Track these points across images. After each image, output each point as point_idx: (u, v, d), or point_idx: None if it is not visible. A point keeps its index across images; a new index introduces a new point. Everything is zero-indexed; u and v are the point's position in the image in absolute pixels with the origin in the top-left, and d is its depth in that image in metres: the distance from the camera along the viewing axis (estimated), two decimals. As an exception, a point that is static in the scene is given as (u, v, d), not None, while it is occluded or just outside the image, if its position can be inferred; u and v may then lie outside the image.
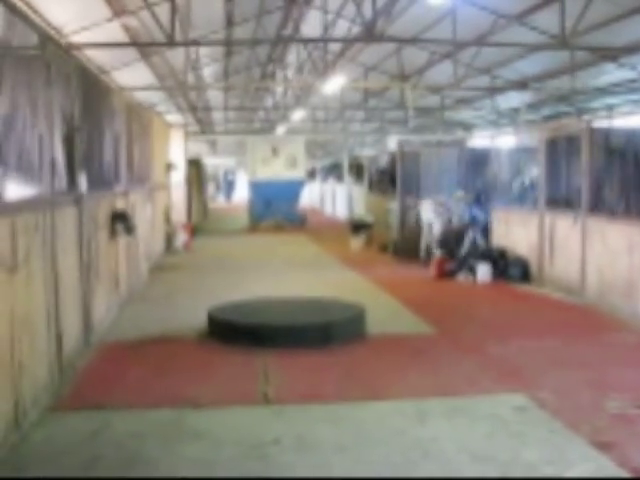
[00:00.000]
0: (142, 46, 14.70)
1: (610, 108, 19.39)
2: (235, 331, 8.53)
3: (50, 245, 6.66)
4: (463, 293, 12.62)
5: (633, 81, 16.98)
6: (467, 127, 28.17)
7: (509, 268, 13.57)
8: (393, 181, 21.49)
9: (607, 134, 11.88)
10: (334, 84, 15.03)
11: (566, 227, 12.13)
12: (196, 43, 14.22)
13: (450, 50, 17.25)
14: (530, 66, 18.43)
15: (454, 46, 15.55)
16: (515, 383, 7.05)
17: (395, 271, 15.17)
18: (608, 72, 16.92)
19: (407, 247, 16.53)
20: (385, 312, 10.54)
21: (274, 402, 6.51)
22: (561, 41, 11.86)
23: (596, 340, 8.91)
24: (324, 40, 14.64)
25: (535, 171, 13.87)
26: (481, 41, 14.56)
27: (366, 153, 35.28)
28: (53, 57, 7.05)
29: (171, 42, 10.22)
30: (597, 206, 11.42)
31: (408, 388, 6.90)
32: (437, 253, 14.30)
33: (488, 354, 8.22)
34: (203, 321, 9.26)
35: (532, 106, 21.83)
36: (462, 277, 13.67)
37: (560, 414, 6.11)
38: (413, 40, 15.02)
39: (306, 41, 15.83)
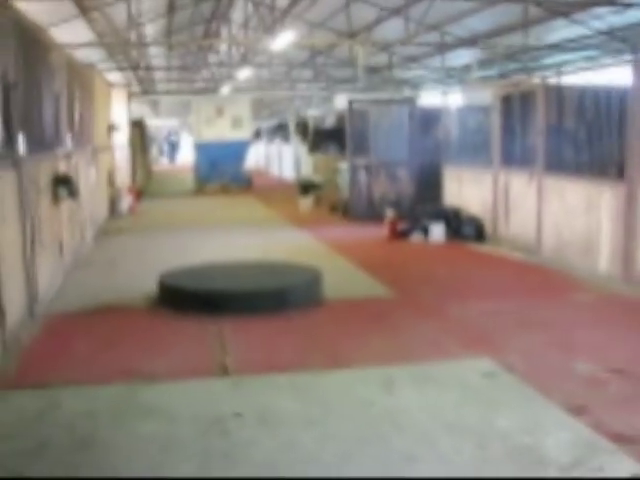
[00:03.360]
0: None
1: (560, 65, 19.24)
2: (187, 298, 8.17)
3: (-12, 211, 6.21)
4: (418, 254, 12.41)
5: (585, 37, 16.79)
6: (415, 86, 27.83)
7: (463, 227, 13.40)
8: (339, 141, 21.23)
9: (561, 90, 11.69)
10: (283, 40, 14.56)
11: (521, 185, 11.97)
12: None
13: (401, 5, 16.85)
14: (480, 23, 18.10)
15: (407, 1, 15.15)
16: (481, 347, 6.83)
17: (347, 232, 14.91)
18: (559, 28, 16.70)
19: (358, 207, 16.27)
20: (340, 275, 10.26)
21: (232, 373, 6.18)
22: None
23: (557, 301, 8.75)
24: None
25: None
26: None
27: (312, 113, 34.82)
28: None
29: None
30: (553, 164, 11.24)
31: (372, 355, 6.63)
32: (389, 213, 14.01)
33: (450, 317, 8.00)
34: (152, 287, 8.88)
35: (481, 64, 21.57)
36: (415, 237, 13.45)
37: (530, 379, 5.90)
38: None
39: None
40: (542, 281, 10.00)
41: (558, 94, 11.59)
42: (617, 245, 9.56)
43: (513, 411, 5.30)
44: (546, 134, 11.31)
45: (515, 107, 12.54)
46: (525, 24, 15.50)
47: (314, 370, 6.19)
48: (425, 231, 13.44)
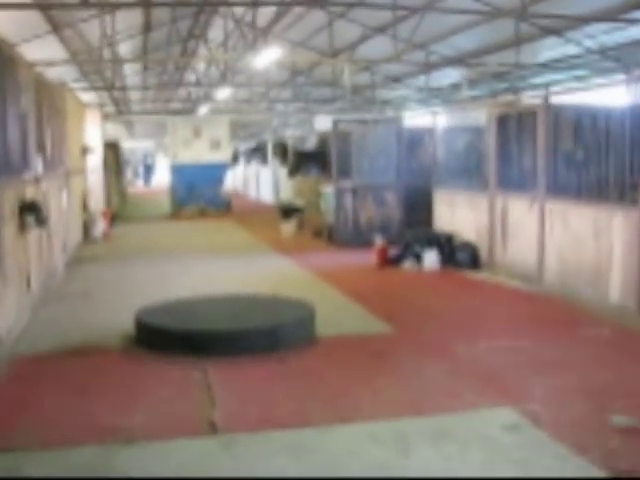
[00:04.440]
0: (51, 8, 13.21)
1: (549, 85, 18.70)
2: (167, 338, 7.37)
3: (-59, 246, 5.42)
4: (412, 283, 11.69)
5: (576, 57, 16.25)
6: (398, 106, 27.25)
7: (457, 254, 12.72)
8: (321, 163, 20.57)
9: (563, 110, 11.09)
10: (267, 58, 13.86)
11: (521, 210, 11.32)
12: (111, 4, 12.83)
13: (388, 22, 16.24)
14: (467, 41, 17.56)
15: (395, 18, 14.52)
16: (497, 393, 6.11)
17: (333, 259, 14.18)
18: (548, 47, 16.15)
19: (344, 232, 15.56)
20: (332, 308, 9.51)
21: (222, 430, 5.40)
22: (521, 11, 10.96)
23: (570, 336, 8.07)
24: (259, 4, 13.42)
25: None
26: (433, 7, 13.54)
27: (290, 134, 34.16)
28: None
29: (85, 2, 8.92)
30: (556, 187, 10.61)
31: (379, 405, 5.88)
32: (379, 240, 13.30)
33: (457, 357, 7.28)
34: (129, 324, 8.08)
35: (467, 83, 21.03)
36: (408, 265, 12.74)
37: (560, 433, 5.19)
38: (362, 4, 13.87)
39: (237, 4, 14.51)
40: (550, 313, 9.31)
41: (560, 114, 10.99)
42: (630, 274, 8.90)
43: (549, 474, 4.58)
44: (548, 156, 10.67)
45: (512, 127, 11.92)
46: (517, 42, 14.91)
47: (316, 426, 5.42)
48: (417, 258, 12.74)
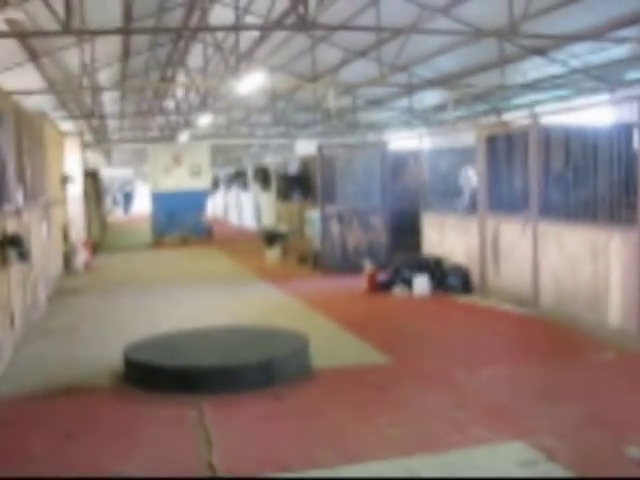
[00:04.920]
0: (31, 36, 12.95)
1: (532, 105, 18.63)
2: (159, 376, 7.06)
3: None
4: (404, 309, 11.44)
5: (559, 77, 16.19)
6: (380, 129, 27.16)
7: (448, 278, 12.49)
8: (304, 188, 20.36)
9: (554, 130, 10.92)
10: (250, 83, 13.65)
11: (513, 232, 11.13)
12: (93, 32, 12.61)
13: (369, 45, 16.14)
14: (448, 63, 17.51)
15: (378, 40, 14.39)
16: (507, 426, 5.85)
17: (321, 285, 13.93)
18: (534, 68, 16.09)
19: (330, 258, 15.31)
20: (324, 337, 9.22)
21: (222, 474, 5.10)
22: (510, 29, 10.82)
23: (575, 362, 7.84)
24: (241, 28, 13.20)
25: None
26: (418, 29, 13.41)
27: (270, 159, 33.97)
28: None
29: (66, 30, 8.68)
30: (549, 209, 10.42)
31: (385, 443, 5.59)
32: (368, 265, 13.06)
33: (460, 387, 7.03)
34: (117, 359, 7.79)
35: (445, 106, 20.95)
36: (398, 290, 12.50)
37: (579, 469, 4.94)
38: (347, 27, 13.77)
39: (219, 29, 14.30)
40: (549, 337, 9.08)
41: (550, 134, 10.82)
42: (630, 296, 8.71)
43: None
44: (540, 177, 10.50)
45: (501, 148, 11.75)
46: (501, 63, 14.82)
47: (321, 468, 5.13)
48: (407, 283, 12.50)
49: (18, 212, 9.82)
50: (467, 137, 13.74)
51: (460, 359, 8.09)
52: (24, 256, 8.81)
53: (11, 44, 13.95)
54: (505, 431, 5.74)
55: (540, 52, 14.72)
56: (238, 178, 34.46)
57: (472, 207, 12.77)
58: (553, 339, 8.99)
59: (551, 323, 9.74)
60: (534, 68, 16.10)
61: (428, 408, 6.42)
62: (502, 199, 11.67)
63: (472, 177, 12.68)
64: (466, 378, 7.29)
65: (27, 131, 11.55)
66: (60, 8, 9.51)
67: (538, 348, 8.55)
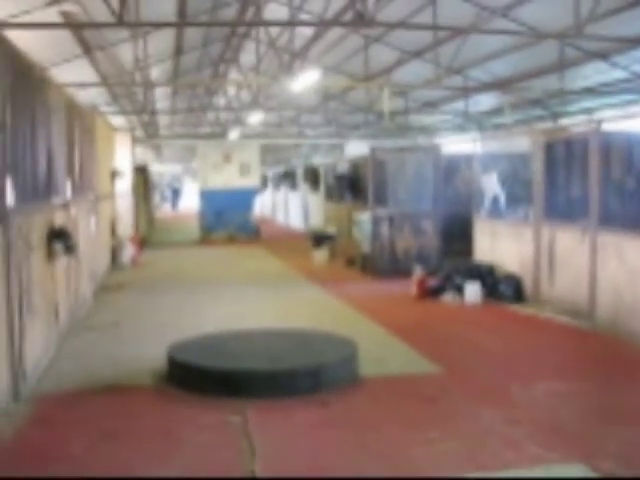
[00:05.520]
0: (85, 27, 12.90)
1: (589, 111, 18.16)
2: (203, 378, 6.87)
3: (-37, 279, 4.98)
4: (455, 317, 11.12)
5: (621, 82, 15.70)
6: (430, 132, 26.80)
7: (499, 286, 12.14)
8: (354, 190, 20.07)
9: (617, 137, 10.55)
10: (304, 81, 13.44)
11: (569, 241, 10.75)
12: (146, 24, 12.54)
13: (424, 46, 15.83)
14: (505, 66, 17.13)
15: (435, 41, 14.08)
16: (565, 446, 5.55)
17: (370, 289, 13.67)
18: (595, 72, 15.64)
19: (380, 261, 15.05)
20: (373, 343, 8.96)
21: (265, 484, 4.90)
22: (575, 31, 10.44)
23: (635, 379, 7.47)
24: (298, 24, 13.02)
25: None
26: (477, 29, 13.08)
27: (319, 160, 33.77)
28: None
29: (120, 22, 8.57)
30: (610, 218, 10.03)
31: (435, 458, 5.33)
32: (418, 270, 12.78)
33: (514, 401, 6.73)
34: (160, 359, 7.63)
35: (500, 110, 20.55)
36: (448, 297, 12.19)
37: (644, 497, 4.63)
38: (405, 25, 13.45)
39: (273, 24, 14.12)
40: (607, 353, 8.71)
41: (611, 141, 10.44)
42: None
43: None
44: (601, 185, 10.12)
45: (559, 155, 11.38)
46: (560, 67, 14.41)
47: (370, 483, 4.90)
48: (458, 290, 12.19)
49: (66, 205, 9.73)
50: (521, 142, 13.41)
51: (514, 372, 7.78)
52: (70, 250, 8.71)
53: (66, 37, 13.92)
54: (562, 451, 5.45)
55: (602, 56, 14.27)
56: (287, 178, 34.35)
57: (494, 212, 12.97)
58: (611, 355, 8.61)
59: (608, 338, 9.35)
60: (595, 73, 15.64)
61: (481, 423, 6.13)
62: (559, 207, 11.31)
63: (494, 182, 12.51)
64: (521, 392, 6.99)
65: (79, 124, 11.48)
66: (115, 1, 9.40)
67: (596, 364, 8.20)
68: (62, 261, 9.08)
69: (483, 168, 13.86)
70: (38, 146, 8.03)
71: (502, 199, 13.54)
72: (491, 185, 13.56)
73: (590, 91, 16.42)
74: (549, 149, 11.52)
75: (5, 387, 6.26)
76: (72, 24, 11.55)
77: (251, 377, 6.78)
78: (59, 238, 8.42)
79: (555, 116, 19.69)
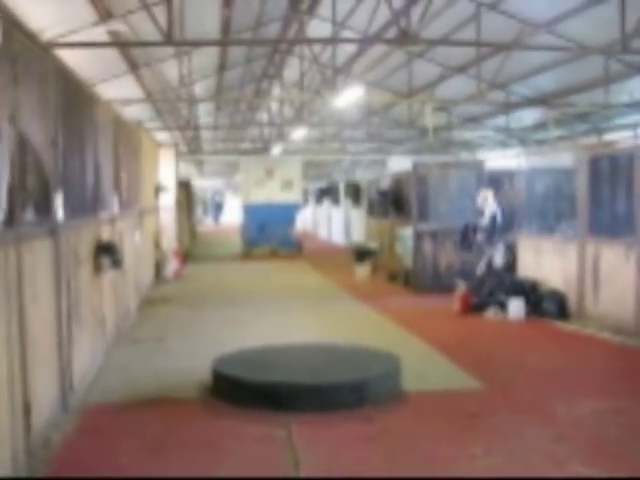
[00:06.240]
0: (135, 46, 13.18)
1: (636, 126, 18.01)
2: (247, 391, 6.94)
3: (16, 291, 5.10)
4: (498, 333, 11.07)
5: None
6: (472, 147, 26.74)
7: (543, 303, 12.05)
8: (396, 205, 20.08)
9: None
10: (348, 97, 13.54)
11: (614, 258, 10.66)
12: (193, 43, 12.77)
13: (468, 62, 15.85)
14: (548, 81, 17.08)
15: (478, 56, 14.10)
16: (612, 464, 5.51)
17: (412, 304, 13.65)
18: (637, 88, 15.54)
19: (422, 277, 15.04)
20: (416, 358, 8.94)
21: (310, 498, 4.93)
22: (622, 46, 10.42)
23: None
24: (341, 41, 13.12)
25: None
26: (520, 44, 13.07)
27: (361, 175, 33.82)
28: (22, 50, 5.51)
29: (169, 41, 8.73)
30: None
31: (480, 474, 5.32)
32: (461, 286, 12.75)
33: (558, 419, 6.68)
34: (204, 372, 7.70)
35: (543, 125, 20.47)
36: (492, 313, 12.14)
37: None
38: (448, 42, 13.55)
39: (319, 41, 14.26)
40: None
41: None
42: None
43: None
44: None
45: (604, 170, 11.31)
46: (605, 81, 14.34)
47: (414, 498, 4.91)
48: (502, 306, 12.13)
49: (112, 220, 9.89)
50: (564, 158, 13.35)
51: (558, 389, 7.73)
52: (117, 264, 8.85)
53: (112, 55, 14.20)
54: (609, 470, 5.40)
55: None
56: (329, 193, 34.45)
57: (493, 231, 13.47)
58: (657, 372, 8.54)
59: (656, 355, 9.26)
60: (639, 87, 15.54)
61: (525, 440, 6.11)
62: (603, 223, 11.23)
63: (491, 200, 12.67)
64: (565, 410, 6.93)
65: (124, 140, 11.67)
66: (162, 19, 9.57)
67: (641, 382, 8.12)
68: (109, 275, 9.22)
69: (479, 186, 14.25)
70: (87, 162, 8.19)
71: (499, 217, 13.75)
72: (487, 202, 13.76)
73: (635, 106, 16.29)
74: (594, 164, 11.45)
75: (54, 398, 6.37)
76: (121, 43, 11.77)
77: (295, 391, 6.82)
78: (106, 252, 8.56)
79: (599, 131, 19.56)
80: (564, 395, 7.44)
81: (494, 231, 13.83)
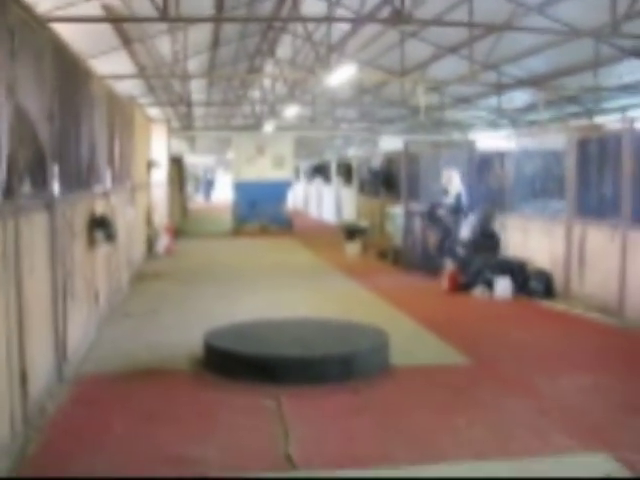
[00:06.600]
0: (131, 21, 13.22)
1: (624, 109, 18.15)
2: (238, 363, 7.09)
3: (13, 262, 5.22)
4: (485, 311, 11.26)
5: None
6: (463, 128, 26.85)
7: (530, 282, 12.23)
8: (387, 184, 20.23)
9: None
10: (341, 75, 13.62)
11: (600, 239, 10.83)
12: (188, 19, 12.83)
13: (460, 42, 15.94)
14: (540, 63, 17.19)
15: (471, 37, 14.20)
16: (590, 436, 5.68)
17: (401, 282, 13.81)
18: (629, 71, 15.65)
19: (412, 255, 15.19)
20: (403, 334, 9.11)
21: (300, 466, 5.09)
22: (612, 29, 10.54)
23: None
24: (336, 20, 13.20)
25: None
26: (512, 26, 13.18)
27: (352, 154, 33.91)
28: (19, 24, 5.59)
29: (164, 17, 8.80)
30: (640, 216, 10.10)
31: (462, 445, 5.50)
32: (449, 265, 12.92)
33: (541, 393, 6.87)
34: (196, 344, 7.85)
35: (534, 107, 20.58)
36: (479, 292, 12.31)
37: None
38: (441, 23, 13.64)
39: (313, 20, 14.32)
40: (635, 350, 8.78)
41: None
42: None
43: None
44: (632, 183, 10.19)
45: (593, 152, 11.45)
46: (595, 64, 14.46)
47: (400, 465, 5.08)
48: (489, 285, 12.31)
49: (106, 194, 10.00)
50: (554, 139, 13.49)
51: (541, 365, 7.91)
52: (110, 238, 8.97)
53: (105, 29, 14.22)
54: (588, 441, 5.58)
55: (638, 54, 14.29)
56: (320, 171, 34.52)
57: (459, 209, 13.62)
58: (639, 351, 8.72)
59: (637, 334, 9.44)
60: (629, 70, 15.65)
61: (508, 412, 6.29)
62: (590, 204, 11.39)
63: (456, 180, 13.32)
64: (548, 385, 7.12)
65: (118, 115, 11.75)
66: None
67: (623, 359, 8.28)
68: (102, 248, 9.34)
69: (445, 165, 14.36)
70: (82, 136, 8.29)
71: (464, 196, 14.01)
72: (451, 182, 13.94)
73: (625, 89, 16.43)
74: (583, 146, 11.59)
75: (50, 368, 6.51)
76: (117, 19, 11.81)
77: (285, 364, 6.99)
78: (100, 226, 8.68)
79: (589, 113, 19.70)
80: (548, 371, 7.62)
81: (460, 209, 14.01)
